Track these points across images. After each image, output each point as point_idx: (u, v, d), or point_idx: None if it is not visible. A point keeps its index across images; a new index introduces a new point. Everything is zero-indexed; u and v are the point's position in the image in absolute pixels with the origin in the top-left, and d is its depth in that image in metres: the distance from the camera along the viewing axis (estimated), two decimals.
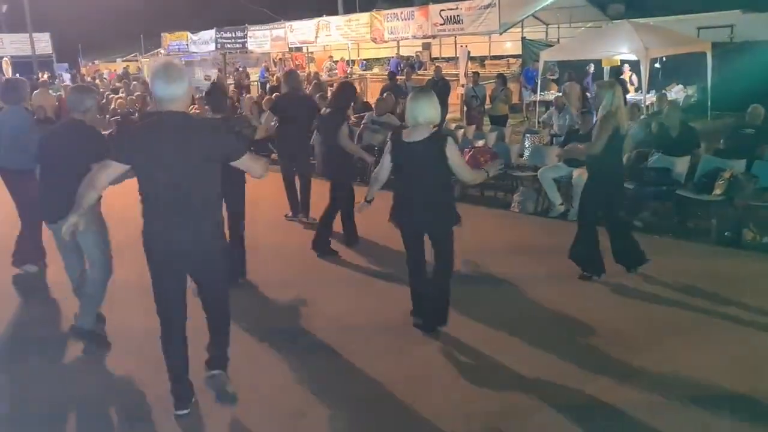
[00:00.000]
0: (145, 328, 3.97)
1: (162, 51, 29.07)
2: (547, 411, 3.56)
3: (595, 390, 3.73)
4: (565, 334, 4.49)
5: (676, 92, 14.12)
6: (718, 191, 6.39)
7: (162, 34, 28.44)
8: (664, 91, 12.72)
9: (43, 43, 28.31)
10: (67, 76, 25.29)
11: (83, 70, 28.24)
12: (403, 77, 15.80)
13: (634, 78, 14.73)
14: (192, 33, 26.44)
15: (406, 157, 4.22)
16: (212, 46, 25.28)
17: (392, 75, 15.60)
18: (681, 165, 6.95)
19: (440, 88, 12.24)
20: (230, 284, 3.95)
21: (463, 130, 10.51)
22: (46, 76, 24.06)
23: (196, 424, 3.57)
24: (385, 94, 10.80)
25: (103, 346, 4.47)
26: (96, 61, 30.91)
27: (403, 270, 4.58)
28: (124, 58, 31.20)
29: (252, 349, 4.38)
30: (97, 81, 23.10)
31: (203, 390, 3.77)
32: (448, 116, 13.13)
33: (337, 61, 23.16)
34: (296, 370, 4.09)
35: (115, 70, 27.94)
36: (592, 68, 14.81)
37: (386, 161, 4.35)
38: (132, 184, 3.46)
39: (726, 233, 6.20)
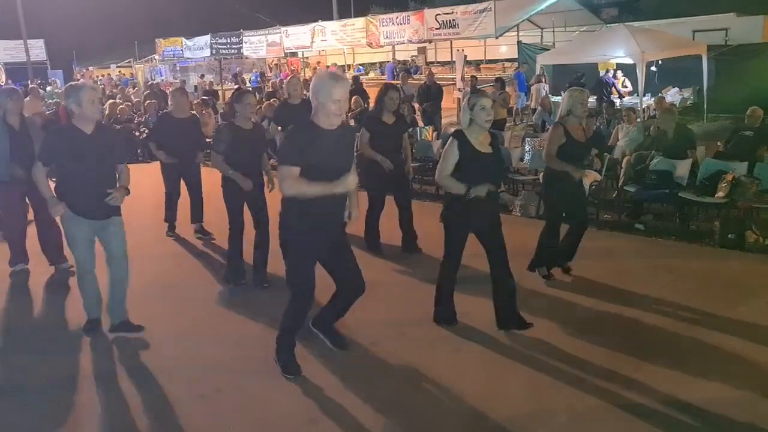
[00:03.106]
0: None
1: (156, 57, 29.04)
2: (551, 417, 3.54)
3: (600, 396, 3.72)
4: (565, 337, 4.49)
5: (671, 95, 14.20)
6: (720, 194, 6.42)
7: (156, 40, 28.40)
8: (661, 94, 12.79)
9: (37, 50, 28.23)
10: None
11: (77, 76, 28.17)
12: (399, 82, 15.81)
13: (628, 82, 14.83)
14: (187, 39, 26.42)
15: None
16: (207, 52, 25.29)
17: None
18: (682, 168, 6.97)
19: (433, 93, 12.28)
20: None
21: None
22: (37, 82, 23.96)
23: None
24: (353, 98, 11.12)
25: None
26: (90, 68, 30.81)
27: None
28: (119, 64, 31.12)
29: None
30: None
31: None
32: (446, 120, 13.16)
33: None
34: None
35: (108, 75, 27.88)
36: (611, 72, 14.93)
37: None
38: None
39: (729, 235, 6.22)
